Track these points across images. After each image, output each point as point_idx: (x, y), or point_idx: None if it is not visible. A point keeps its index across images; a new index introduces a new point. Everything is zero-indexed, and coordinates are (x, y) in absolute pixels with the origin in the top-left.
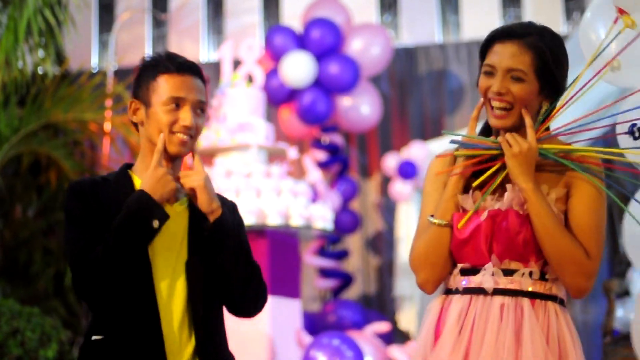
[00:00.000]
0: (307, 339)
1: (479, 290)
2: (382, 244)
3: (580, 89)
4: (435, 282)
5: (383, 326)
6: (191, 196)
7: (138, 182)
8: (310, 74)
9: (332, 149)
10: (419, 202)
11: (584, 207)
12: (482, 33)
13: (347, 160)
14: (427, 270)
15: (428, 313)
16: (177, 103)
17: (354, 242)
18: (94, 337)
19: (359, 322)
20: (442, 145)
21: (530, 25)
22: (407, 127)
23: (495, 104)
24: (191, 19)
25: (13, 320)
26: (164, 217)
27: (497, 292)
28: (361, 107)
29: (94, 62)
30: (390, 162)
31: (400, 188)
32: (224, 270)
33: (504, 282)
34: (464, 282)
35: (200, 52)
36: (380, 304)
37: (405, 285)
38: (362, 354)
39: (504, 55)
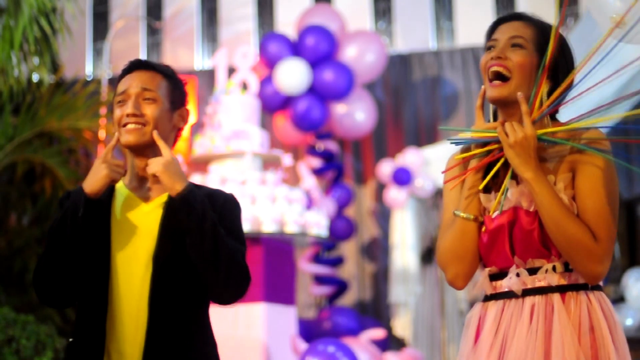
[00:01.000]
0: (302, 345)
1: (510, 294)
2: (377, 251)
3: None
4: (464, 277)
5: (378, 333)
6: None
7: (119, 187)
8: (304, 81)
9: (326, 156)
10: (414, 208)
11: (588, 189)
12: (476, 40)
13: (342, 167)
14: (455, 265)
15: (469, 321)
16: (122, 99)
17: (349, 249)
18: (70, 339)
19: (354, 328)
20: (436, 151)
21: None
22: (401, 134)
23: (493, 69)
24: (186, 27)
25: (8, 329)
26: (88, 205)
27: (527, 292)
28: (356, 114)
29: (89, 70)
30: (385, 168)
31: (395, 194)
32: (190, 255)
33: (531, 281)
34: (496, 288)
35: (195, 59)
36: (375, 311)
37: (400, 291)
38: None
39: (507, 28)
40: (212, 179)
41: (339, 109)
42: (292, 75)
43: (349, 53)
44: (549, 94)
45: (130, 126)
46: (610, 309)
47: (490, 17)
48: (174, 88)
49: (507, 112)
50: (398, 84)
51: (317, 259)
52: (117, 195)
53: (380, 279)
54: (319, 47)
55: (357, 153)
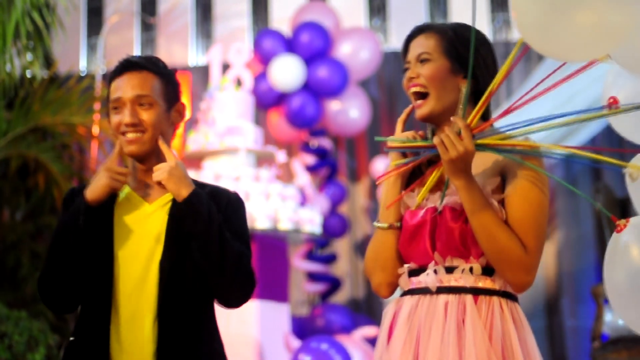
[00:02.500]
0: (296, 343)
1: (426, 290)
2: None
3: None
4: (388, 286)
5: (371, 330)
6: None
7: (132, 199)
8: (299, 78)
9: (320, 153)
10: None
11: (519, 198)
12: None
13: (336, 164)
14: (377, 274)
15: (384, 317)
16: (116, 105)
17: (342, 246)
18: (71, 338)
19: (348, 326)
20: None
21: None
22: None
23: (410, 91)
24: (180, 23)
25: (0, 324)
26: (88, 214)
27: (442, 290)
28: (350, 111)
29: (83, 65)
30: (379, 166)
31: None
32: (195, 258)
33: (447, 280)
34: (413, 283)
35: (189, 55)
36: (368, 308)
37: None
38: (351, 358)
39: (414, 47)
40: (205, 175)
41: (333, 106)
42: (287, 72)
43: (344, 50)
44: (474, 96)
45: (130, 135)
46: (521, 319)
47: (484, 14)
48: (167, 84)
49: (441, 127)
50: (392, 82)
51: (310, 256)
52: (119, 194)
53: None
54: (314, 44)
55: (351, 150)
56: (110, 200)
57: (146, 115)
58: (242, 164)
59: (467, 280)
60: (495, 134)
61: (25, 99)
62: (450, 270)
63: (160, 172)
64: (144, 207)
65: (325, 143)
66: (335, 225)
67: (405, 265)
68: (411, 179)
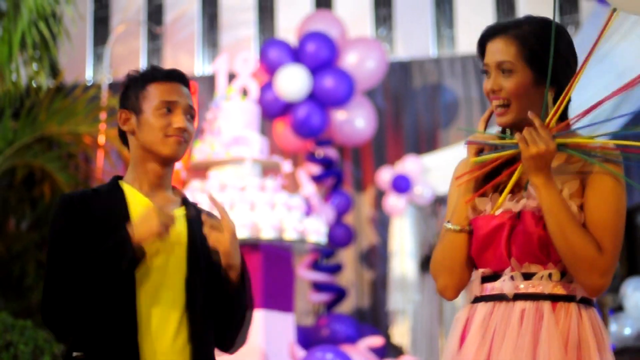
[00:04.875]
0: (301, 353)
1: (501, 297)
2: (375, 258)
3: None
4: (454, 289)
5: (376, 340)
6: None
7: (130, 192)
8: (305, 88)
9: (326, 163)
10: (413, 215)
11: (598, 200)
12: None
13: (341, 174)
14: (444, 277)
15: (456, 322)
16: (168, 107)
17: (347, 256)
18: (74, 354)
19: (353, 336)
20: (436, 159)
21: (520, 19)
22: (401, 141)
23: (493, 102)
24: (186, 32)
25: (6, 334)
26: (133, 261)
27: (519, 297)
28: (356, 121)
29: (89, 75)
30: (385, 176)
31: (394, 202)
32: (218, 312)
33: (525, 286)
34: (487, 290)
35: (195, 65)
36: (373, 318)
37: (398, 299)
38: None
39: (493, 51)
40: (211, 185)
41: (339, 115)
42: (292, 82)
43: (350, 60)
44: (555, 99)
45: (179, 138)
46: (600, 327)
47: (490, 21)
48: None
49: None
50: (398, 91)
51: (315, 266)
52: (133, 204)
53: (379, 286)
54: (320, 54)
55: (356, 160)
56: (123, 204)
57: (190, 126)
58: (247, 174)
59: (545, 287)
60: (574, 135)
61: (31, 108)
62: (527, 276)
63: (223, 241)
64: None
65: (331, 153)
66: (340, 235)
67: (479, 270)
68: (482, 182)
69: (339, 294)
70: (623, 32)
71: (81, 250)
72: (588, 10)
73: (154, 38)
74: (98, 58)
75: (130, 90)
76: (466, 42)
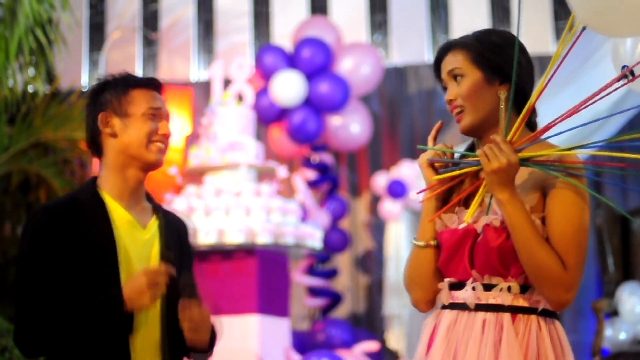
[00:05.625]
0: (296, 357)
1: (464, 306)
2: (371, 263)
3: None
4: (425, 302)
5: (372, 345)
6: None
7: (111, 205)
8: (300, 93)
9: (321, 168)
10: (409, 221)
11: (560, 216)
12: None
13: (337, 179)
14: (415, 291)
15: (424, 328)
16: (154, 114)
17: (343, 261)
18: None
19: (348, 341)
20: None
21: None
22: (396, 146)
23: (454, 112)
24: (182, 38)
25: (1, 338)
26: (126, 330)
27: (480, 307)
28: (351, 126)
29: (85, 80)
30: (380, 181)
31: (389, 207)
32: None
33: (485, 297)
34: (452, 298)
35: (191, 71)
36: (369, 323)
37: (394, 304)
38: None
39: (444, 65)
40: (207, 190)
41: (334, 121)
42: (288, 87)
43: (345, 65)
44: (509, 100)
45: (161, 145)
46: (560, 339)
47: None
48: None
49: (483, 140)
50: (393, 97)
51: (311, 270)
52: (115, 217)
53: (375, 291)
54: (315, 59)
55: (352, 165)
56: (104, 217)
57: (170, 132)
58: (243, 179)
59: (505, 299)
60: (542, 147)
61: (27, 114)
62: (488, 287)
63: (201, 339)
64: (141, 234)
65: (326, 158)
66: (336, 240)
67: (446, 280)
68: (446, 197)
69: (335, 299)
70: (598, 57)
71: (64, 275)
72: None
73: (150, 44)
74: (94, 64)
75: (109, 93)
76: None
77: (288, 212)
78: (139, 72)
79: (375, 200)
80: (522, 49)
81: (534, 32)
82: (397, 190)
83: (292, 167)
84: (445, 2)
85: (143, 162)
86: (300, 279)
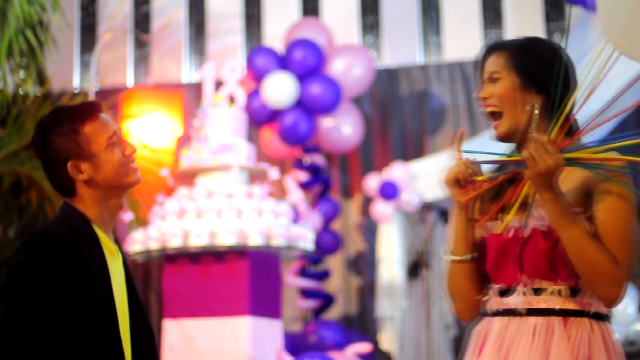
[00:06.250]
0: (288, 359)
1: (515, 311)
2: (363, 265)
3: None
4: (467, 312)
5: (364, 347)
6: None
7: (105, 242)
8: (292, 95)
9: (313, 170)
10: (400, 222)
11: (608, 213)
12: (464, 54)
13: (329, 180)
14: (456, 303)
15: (473, 335)
16: (114, 141)
17: (335, 263)
18: None
19: (340, 342)
20: (423, 166)
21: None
22: (388, 148)
23: (485, 111)
24: (173, 40)
25: None
26: None
27: (531, 312)
28: (343, 128)
29: (76, 82)
30: (372, 182)
31: (381, 208)
32: None
33: (536, 302)
34: (503, 304)
35: (182, 72)
36: (361, 325)
37: (386, 305)
38: None
39: (486, 66)
40: (198, 192)
41: (326, 122)
42: (280, 89)
43: (337, 67)
44: (546, 107)
45: (135, 165)
46: (612, 341)
47: (477, 32)
48: None
49: (522, 145)
50: (385, 98)
51: (303, 272)
52: (105, 249)
53: (367, 292)
54: (307, 61)
55: (343, 167)
56: (99, 250)
57: (134, 145)
58: (234, 181)
59: (555, 303)
60: (580, 149)
61: (18, 116)
62: (538, 292)
63: None
64: (117, 260)
65: (318, 160)
66: (328, 242)
67: (495, 286)
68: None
69: (327, 301)
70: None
71: (70, 313)
72: (574, 17)
73: (141, 46)
74: (85, 66)
75: (60, 139)
76: (453, 49)
77: (280, 213)
78: (130, 73)
79: (367, 201)
80: (567, 61)
81: (525, 33)
82: (388, 191)
83: (284, 168)
84: (437, 4)
85: (126, 187)
86: (292, 281)
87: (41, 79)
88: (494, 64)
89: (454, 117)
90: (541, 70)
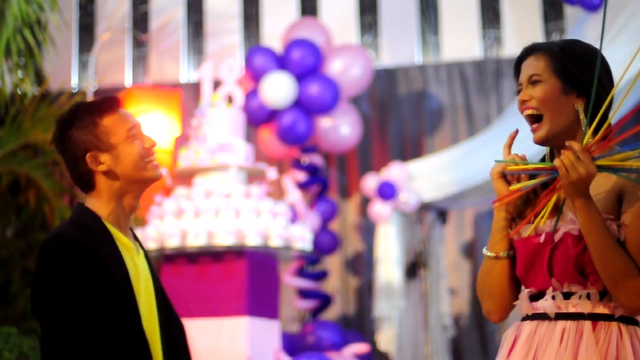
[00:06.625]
0: (286, 359)
1: (545, 315)
2: (361, 265)
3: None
4: (497, 312)
5: (362, 347)
6: None
7: (120, 239)
8: (290, 95)
9: (311, 170)
10: (398, 222)
11: (637, 222)
12: (462, 54)
13: (327, 180)
14: (487, 301)
15: (504, 340)
16: (134, 133)
17: (333, 263)
18: None
19: (338, 343)
20: (421, 166)
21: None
22: (386, 148)
23: (524, 114)
24: (171, 40)
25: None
26: None
27: (560, 316)
28: (341, 128)
29: (74, 82)
30: (370, 182)
31: (379, 209)
32: None
33: (565, 306)
34: (533, 308)
35: (181, 72)
36: (359, 325)
37: (384, 306)
38: None
39: (525, 68)
40: (196, 192)
41: (324, 122)
42: (278, 89)
43: (335, 67)
44: (586, 111)
45: (155, 161)
46: None
47: (475, 32)
48: None
49: (560, 149)
50: (383, 98)
51: (301, 272)
52: (119, 244)
53: (365, 293)
54: (305, 61)
55: (342, 167)
56: (114, 249)
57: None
58: (232, 181)
59: (584, 307)
60: (613, 154)
61: (16, 115)
62: (567, 296)
63: None
64: (138, 258)
65: (316, 160)
66: (325, 242)
67: (526, 290)
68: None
69: (325, 301)
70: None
71: (97, 310)
72: (573, 17)
73: (139, 45)
74: (83, 65)
75: (79, 132)
76: (451, 49)
77: (278, 213)
78: (128, 73)
79: (365, 202)
80: (606, 65)
81: (523, 33)
82: (387, 191)
83: (282, 168)
84: (435, 4)
85: (145, 182)
86: (290, 281)
87: (39, 79)
88: (534, 66)
89: (452, 117)
90: (582, 74)
